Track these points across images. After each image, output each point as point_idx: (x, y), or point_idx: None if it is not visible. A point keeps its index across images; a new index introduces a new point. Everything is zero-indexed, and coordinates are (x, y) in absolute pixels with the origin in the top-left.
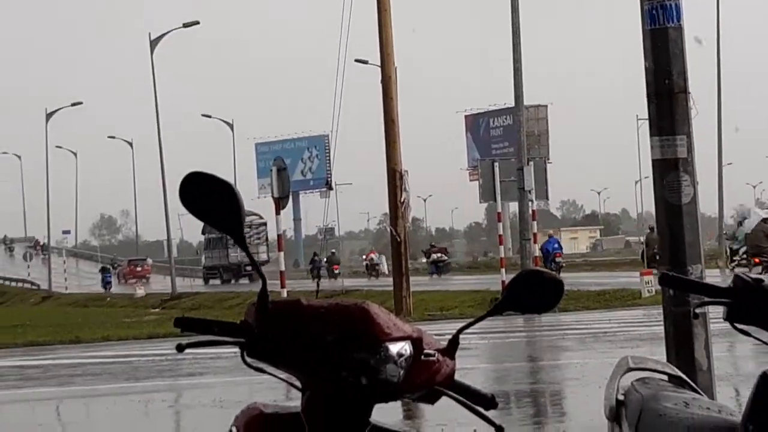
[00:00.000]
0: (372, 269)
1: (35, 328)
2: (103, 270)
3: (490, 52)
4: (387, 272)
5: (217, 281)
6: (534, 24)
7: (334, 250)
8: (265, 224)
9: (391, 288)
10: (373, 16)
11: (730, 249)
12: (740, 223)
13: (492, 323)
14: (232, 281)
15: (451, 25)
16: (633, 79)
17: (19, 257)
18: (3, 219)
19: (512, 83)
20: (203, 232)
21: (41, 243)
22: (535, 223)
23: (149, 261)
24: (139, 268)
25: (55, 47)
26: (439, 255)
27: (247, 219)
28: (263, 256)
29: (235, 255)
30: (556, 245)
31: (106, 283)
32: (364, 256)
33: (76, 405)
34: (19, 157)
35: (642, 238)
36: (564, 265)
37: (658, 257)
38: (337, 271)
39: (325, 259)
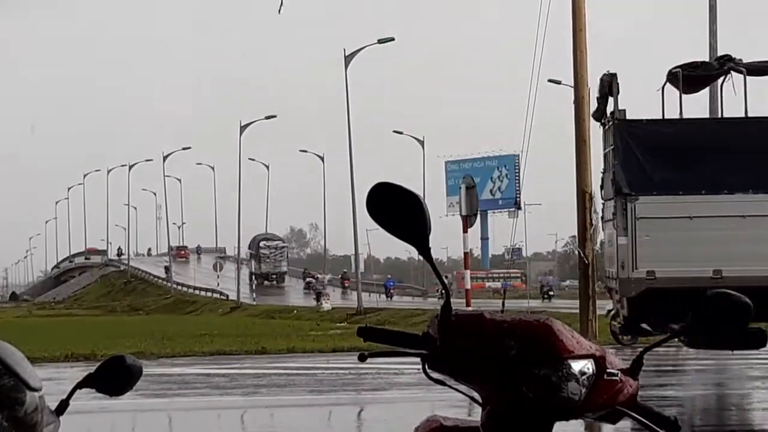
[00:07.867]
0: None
1: (223, 338)
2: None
3: None
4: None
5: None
6: None
7: (345, 270)
8: (286, 246)
9: (574, 310)
10: (567, 37)
11: None
12: None
13: (683, 351)
14: (265, 283)
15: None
16: None
17: (208, 266)
18: (195, 229)
19: None
20: (249, 248)
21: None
22: None
23: (188, 247)
24: (182, 252)
25: (251, 61)
26: (311, 279)
27: (273, 242)
28: (284, 269)
29: (265, 267)
30: (391, 282)
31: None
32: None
33: (260, 414)
34: (213, 168)
35: None
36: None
37: None
38: (347, 285)
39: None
